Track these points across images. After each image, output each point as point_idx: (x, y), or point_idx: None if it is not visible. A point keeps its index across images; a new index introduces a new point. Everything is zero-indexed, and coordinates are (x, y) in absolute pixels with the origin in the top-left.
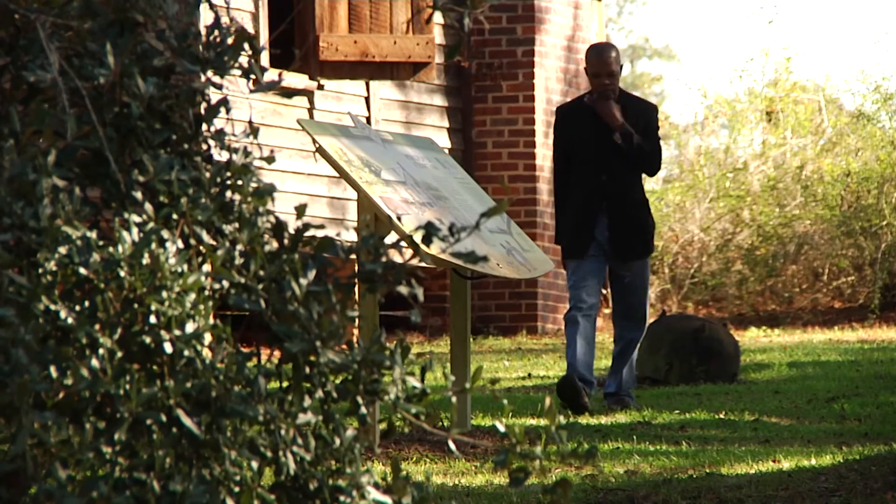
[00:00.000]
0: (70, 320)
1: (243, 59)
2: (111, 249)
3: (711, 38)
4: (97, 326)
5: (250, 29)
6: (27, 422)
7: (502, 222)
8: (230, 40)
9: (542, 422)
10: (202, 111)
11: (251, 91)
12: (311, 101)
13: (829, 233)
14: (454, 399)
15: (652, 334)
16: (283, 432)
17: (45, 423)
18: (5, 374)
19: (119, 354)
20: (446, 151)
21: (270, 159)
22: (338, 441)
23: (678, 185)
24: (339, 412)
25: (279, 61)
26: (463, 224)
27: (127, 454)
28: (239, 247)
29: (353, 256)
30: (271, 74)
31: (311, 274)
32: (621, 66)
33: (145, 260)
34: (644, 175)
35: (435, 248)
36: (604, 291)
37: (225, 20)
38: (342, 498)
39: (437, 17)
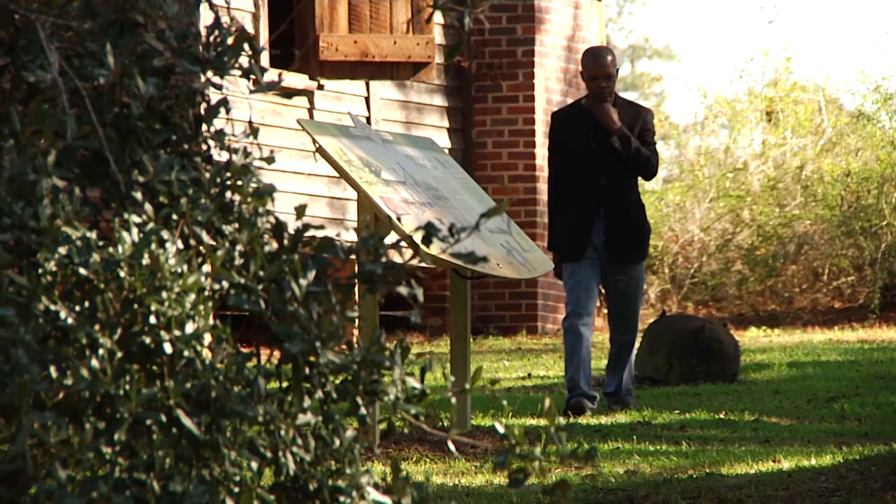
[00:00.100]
0: (70, 320)
1: (243, 60)
2: (111, 250)
3: (711, 38)
4: (97, 327)
5: (250, 29)
6: (27, 422)
7: (502, 222)
8: (230, 40)
9: (542, 422)
10: (202, 111)
11: (251, 91)
12: (311, 102)
13: (829, 233)
14: (454, 399)
15: (652, 334)
16: (282, 433)
17: (44, 423)
18: (5, 374)
19: (119, 355)
20: (446, 151)
21: (270, 159)
22: (337, 441)
23: (678, 185)
24: (339, 412)
25: (279, 61)
26: (463, 224)
27: (127, 454)
28: (239, 247)
29: (353, 257)
30: (271, 74)
31: (311, 274)
32: (617, 70)
33: (145, 260)
34: (640, 179)
35: (435, 249)
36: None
37: (225, 20)
38: (342, 498)
39: (437, 17)
